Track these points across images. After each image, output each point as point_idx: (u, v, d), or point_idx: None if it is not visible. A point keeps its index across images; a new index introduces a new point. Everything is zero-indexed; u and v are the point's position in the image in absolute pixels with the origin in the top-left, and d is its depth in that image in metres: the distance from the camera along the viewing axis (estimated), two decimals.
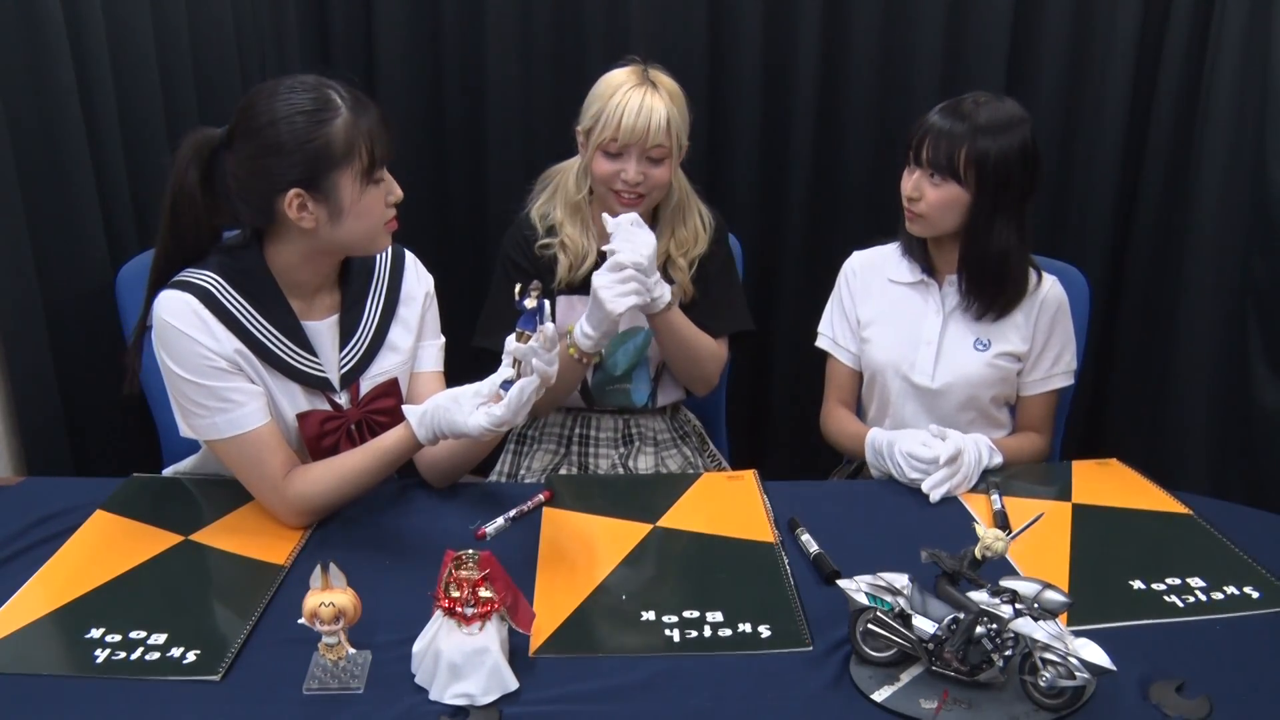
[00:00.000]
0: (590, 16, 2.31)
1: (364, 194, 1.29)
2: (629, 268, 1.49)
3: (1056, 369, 1.69)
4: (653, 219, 1.74)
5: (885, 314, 1.72)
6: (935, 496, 1.45)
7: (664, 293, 1.59)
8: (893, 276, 1.72)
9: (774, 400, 2.60)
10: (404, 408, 1.32)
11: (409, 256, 1.51)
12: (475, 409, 1.23)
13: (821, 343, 1.81)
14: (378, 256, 1.46)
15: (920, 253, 1.69)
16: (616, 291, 1.50)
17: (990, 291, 1.63)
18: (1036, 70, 2.28)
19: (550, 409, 1.82)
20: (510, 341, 1.22)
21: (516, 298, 1.23)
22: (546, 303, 1.23)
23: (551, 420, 1.85)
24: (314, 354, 1.38)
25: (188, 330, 1.27)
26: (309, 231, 1.30)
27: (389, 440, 1.33)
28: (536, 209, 1.76)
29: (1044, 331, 1.67)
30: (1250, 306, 1.96)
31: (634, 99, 1.60)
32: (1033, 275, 1.66)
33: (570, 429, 1.83)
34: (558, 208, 1.74)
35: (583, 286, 1.62)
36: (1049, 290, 1.67)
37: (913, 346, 1.68)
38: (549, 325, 1.21)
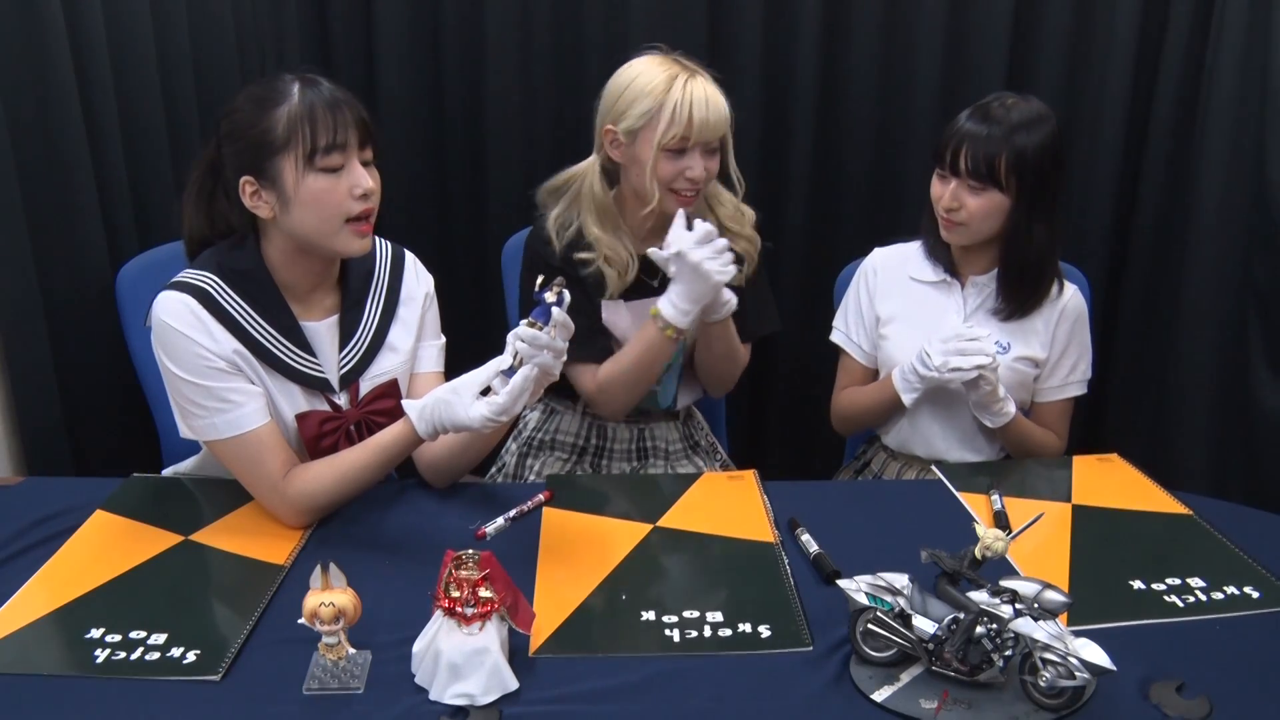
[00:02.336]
0: (590, 17, 2.31)
1: (306, 181, 1.26)
2: (717, 237, 1.47)
3: (1072, 378, 1.69)
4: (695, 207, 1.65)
5: (906, 312, 1.71)
6: (944, 355, 1.53)
7: (730, 297, 1.57)
8: (914, 275, 1.72)
9: (774, 401, 2.60)
10: (404, 403, 1.32)
11: (409, 257, 1.51)
12: (475, 400, 1.23)
13: (835, 336, 1.81)
14: (377, 257, 1.46)
15: (944, 254, 1.69)
16: (720, 262, 1.47)
17: (1026, 293, 1.63)
18: (1036, 70, 2.28)
19: (639, 398, 1.70)
20: (523, 327, 1.22)
21: (537, 289, 1.23)
22: (568, 297, 1.23)
23: (565, 428, 1.80)
24: (313, 354, 1.38)
25: (186, 331, 1.27)
26: (275, 222, 1.30)
27: (389, 436, 1.33)
28: (554, 218, 1.65)
29: (1062, 340, 1.66)
30: (1250, 306, 1.96)
31: (696, 91, 1.52)
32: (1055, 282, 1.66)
33: (586, 439, 1.79)
34: (585, 215, 1.63)
35: (631, 291, 1.62)
36: (1070, 299, 1.66)
37: (923, 349, 1.66)
38: (559, 317, 1.22)
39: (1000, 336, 1.65)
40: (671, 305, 1.52)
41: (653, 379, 1.67)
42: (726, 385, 1.78)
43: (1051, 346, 1.66)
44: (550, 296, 1.22)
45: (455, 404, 1.24)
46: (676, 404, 1.80)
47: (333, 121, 1.25)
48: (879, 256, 1.77)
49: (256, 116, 1.26)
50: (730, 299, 1.57)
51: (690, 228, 1.51)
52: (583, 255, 1.62)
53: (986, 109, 1.56)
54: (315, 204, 1.27)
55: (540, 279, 1.25)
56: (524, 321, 1.22)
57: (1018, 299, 1.63)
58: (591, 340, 1.63)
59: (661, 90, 1.51)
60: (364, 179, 1.29)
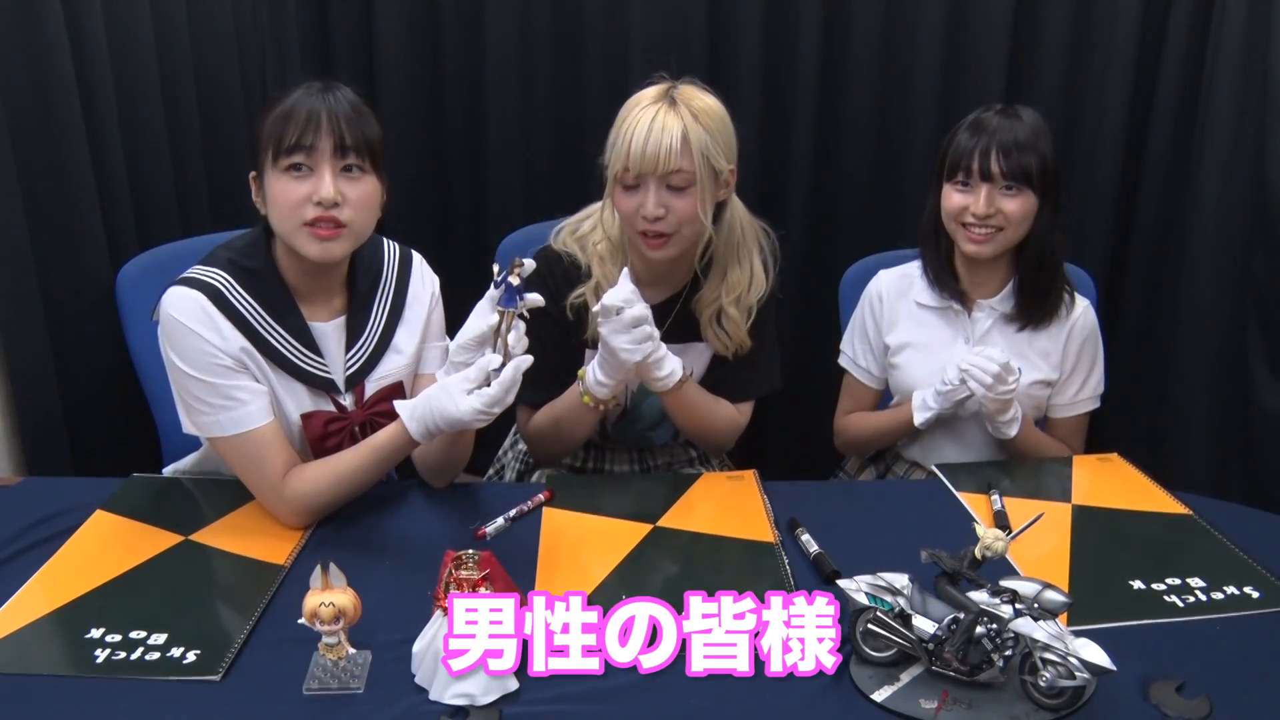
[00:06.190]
0: (590, 17, 2.31)
1: (271, 178, 1.28)
2: (631, 307, 1.34)
3: (1083, 394, 1.69)
4: (704, 262, 1.53)
5: (915, 339, 1.68)
6: (954, 371, 1.51)
7: (670, 371, 1.44)
8: (920, 300, 1.69)
9: (773, 403, 2.59)
10: (395, 403, 1.31)
11: (416, 258, 1.50)
12: (465, 395, 1.23)
13: (842, 360, 1.79)
14: (385, 258, 1.46)
15: (949, 281, 1.65)
16: (628, 339, 1.35)
17: (1040, 299, 1.62)
18: (1036, 71, 2.28)
19: (566, 454, 1.67)
20: (487, 311, 1.25)
21: (496, 275, 1.22)
22: (530, 265, 1.24)
23: None
24: (320, 355, 1.38)
25: (195, 327, 1.27)
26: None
27: (383, 439, 1.32)
28: (568, 234, 1.57)
29: (1072, 358, 1.66)
30: (1250, 306, 1.96)
31: (644, 120, 1.39)
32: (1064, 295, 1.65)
33: (584, 462, 1.74)
34: (598, 240, 1.54)
35: None
36: (1080, 317, 1.65)
37: (942, 373, 1.60)
38: (530, 296, 1.24)
39: (1011, 362, 1.64)
40: (594, 376, 1.43)
41: (572, 442, 1.58)
42: (715, 450, 1.72)
43: (1062, 365, 1.65)
44: (514, 280, 1.22)
45: (445, 402, 1.24)
46: (678, 439, 1.75)
47: (303, 124, 1.25)
48: (884, 281, 1.72)
49: (262, 115, 1.30)
50: (668, 374, 1.43)
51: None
52: (578, 292, 1.53)
53: (983, 119, 1.55)
54: (275, 203, 1.29)
55: (496, 267, 1.24)
56: (490, 313, 1.24)
57: (1035, 305, 1.62)
58: (538, 383, 1.45)
59: (622, 121, 1.43)
60: (325, 188, 1.25)
